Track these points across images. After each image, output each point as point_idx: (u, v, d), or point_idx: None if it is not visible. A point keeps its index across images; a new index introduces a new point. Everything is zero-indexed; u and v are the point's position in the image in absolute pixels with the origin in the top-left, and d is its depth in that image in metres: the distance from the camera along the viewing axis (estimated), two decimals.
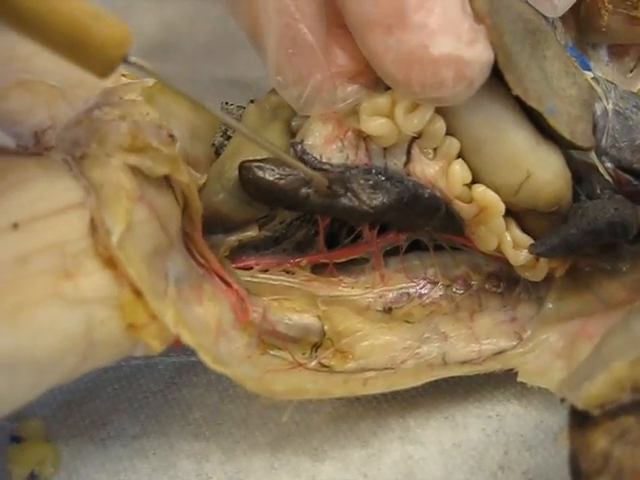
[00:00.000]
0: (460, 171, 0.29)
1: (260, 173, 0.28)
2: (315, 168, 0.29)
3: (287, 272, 0.31)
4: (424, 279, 0.32)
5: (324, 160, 0.29)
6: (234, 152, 0.30)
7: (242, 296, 0.29)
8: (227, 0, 0.30)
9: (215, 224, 0.30)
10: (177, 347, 0.26)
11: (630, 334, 0.26)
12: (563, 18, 0.33)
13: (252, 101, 0.34)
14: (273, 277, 0.31)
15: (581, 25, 0.34)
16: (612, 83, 0.31)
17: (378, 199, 0.29)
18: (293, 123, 0.30)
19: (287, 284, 0.31)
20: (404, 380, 0.28)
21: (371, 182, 0.29)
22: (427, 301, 0.31)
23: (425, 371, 0.29)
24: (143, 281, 0.24)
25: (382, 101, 0.28)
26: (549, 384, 0.29)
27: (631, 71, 0.35)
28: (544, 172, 0.29)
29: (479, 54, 0.26)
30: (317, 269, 0.31)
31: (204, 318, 0.27)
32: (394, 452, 0.29)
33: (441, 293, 0.32)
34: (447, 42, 0.26)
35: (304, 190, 0.28)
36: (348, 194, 0.28)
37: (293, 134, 0.30)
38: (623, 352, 0.25)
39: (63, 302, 0.23)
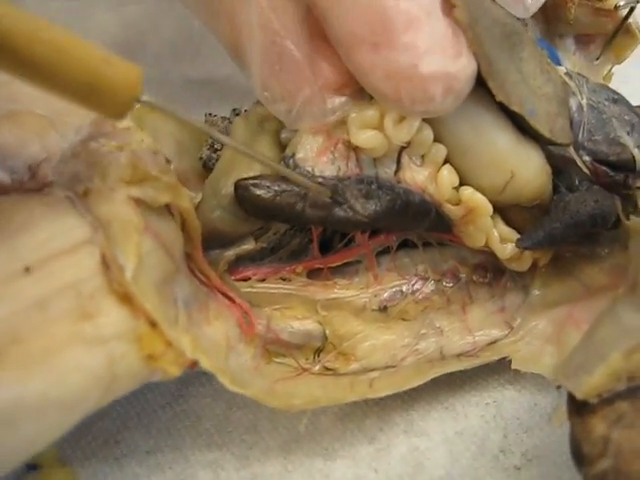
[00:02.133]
0: (448, 176, 0.30)
1: (257, 191, 0.29)
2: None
3: (284, 279, 0.32)
4: (415, 275, 0.33)
5: (317, 173, 0.29)
6: (226, 168, 0.30)
7: (246, 310, 0.29)
8: (206, 16, 0.30)
9: (212, 240, 0.30)
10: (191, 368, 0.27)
11: (620, 324, 0.28)
12: None
13: (234, 110, 0.34)
14: (271, 286, 0.32)
15: (548, 16, 0.35)
16: (583, 76, 0.32)
17: (371, 208, 0.29)
18: (282, 135, 0.31)
19: (285, 291, 0.32)
20: (409, 380, 0.30)
21: (364, 192, 0.29)
22: (420, 297, 0.33)
23: (426, 367, 0.31)
24: (157, 312, 0.25)
25: (371, 113, 0.29)
26: (541, 369, 0.31)
27: (597, 59, 0.36)
28: (527, 171, 0.30)
29: (465, 67, 0.27)
30: (312, 274, 0.32)
31: (214, 337, 0.28)
32: (401, 445, 0.31)
33: (432, 288, 0.33)
34: (435, 60, 0.26)
35: (300, 205, 0.29)
36: (343, 205, 0.29)
37: (282, 146, 0.31)
38: (615, 342, 0.27)
39: (85, 343, 0.23)
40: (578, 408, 0.27)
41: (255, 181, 0.29)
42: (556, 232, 0.30)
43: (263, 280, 0.32)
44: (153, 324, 0.25)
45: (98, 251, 0.24)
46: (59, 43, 0.21)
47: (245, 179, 0.29)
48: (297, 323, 0.31)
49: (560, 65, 0.35)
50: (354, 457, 0.31)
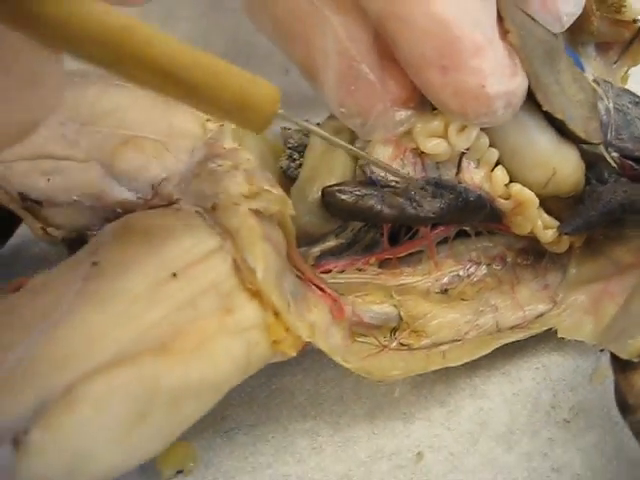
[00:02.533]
0: (501, 175, 0.34)
1: (342, 196, 0.33)
2: (383, 185, 0.34)
3: (359, 270, 0.37)
4: (470, 261, 0.38)
5: (390, 178, 0.34)
6: (309, 177, 0.35)
7: (336, 298, 0.34)
8: (280, 40, 0.34)
9: (300, 240, 0.35)
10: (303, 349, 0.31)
11: None
12: None
13: (305, 121, 0.39)
14: (349, 276, 0.36)
15: (573, 27, 0.40)
16: (608, 82, 0.37)
17: (437, 205, 0.34)
18: (356, 146, 0.35)
19: (361, 280, 0.36)
20: (476, 350, 0.35)
21: (430, 192, 0.34)
22: (475, 280, 0.38)
23: (487, 339, 0.36)
24: (280, 303, 0.29)
25: (436, 124, 0.33)
26: (583, 336, 0.36)
27: (615, 62, 0.41)
28: (566, 168, 0.35)
29: (520, 84, 0.32)
30: (383, 264, 0.37)
31: (315, 322, 0.32)
32: (468, 407, 0.36)
33: (485, 271, 0.38)
34: (498, 80, 0.31)
35: (378, 206, 0.34)
36: (413, 204, 0.34)
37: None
38: None
39: (229, 334, 0.28)
40: (622, 366, 0.32)
41: (340, 187, 0.34)
42: (592, 219, 0.36)
43: (342, 271, 0.36)
44: (276, 314, 0.29)
45: (230, 257, 0.29)
46: (215, 68, 0.24)
47: (330, 186, 0.34)
48: (376, 307, 0.35)
49: (583, 69, 0.40)
50: (429, 419, 0.36)
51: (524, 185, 0.35)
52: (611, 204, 0.36)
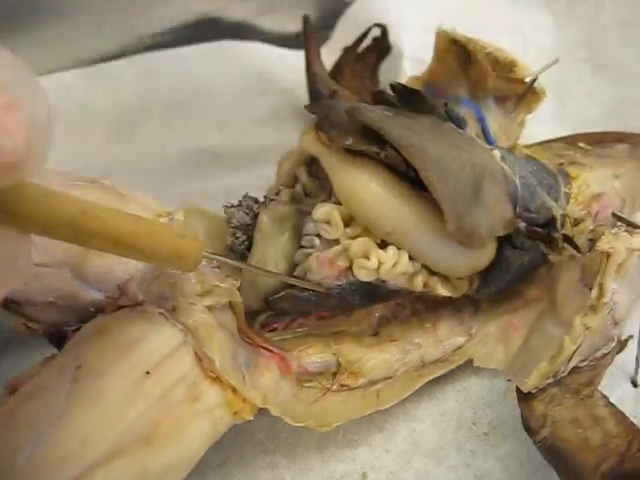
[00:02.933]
0: (422, 280, 0.40)
1: (283, 303, 0.40)
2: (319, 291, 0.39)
3: (301, 325, 0.43)
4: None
5: (325, 286, 0.39)
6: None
7: (283, 356, 0.40)
8: None
9: (248, 312, 0.40)
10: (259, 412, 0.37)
11: (545, 335, 0.40)
12: (458, 80, 0.45)
13: (248, 196, 0.44)
14: (293, 331, 0.42)
15: (472, 84, 0.46)
16: (511, 153, 0.42)
17: (365, 301, 0.40)
18: (295, 259, 0.40)
19: (304, 332, 0.42)
20: (406, 388, 0.41)
21: (359, 292, 0.40)
22: (400, 320, 0.44)
23: (415, 375, 0.42)
24: (236, 382, 0.35)
25: (372, 262, 0.38)
26: (495, 364, 0.43)
27: (512, 112, 0.47)
28: (484, 259, 0.40)
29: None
30: (321, 318, 0.43)
31: (268, 384, 0.38)
32: (402, 430, 0.43)
33: (409, 312, 0.44)
34: None
35: (314, 308, 0.40)
36: (342, 303, 0.40)
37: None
38: (543, 351, 0.39)
39: (199, 416, 0.34)
40: (524, 396, 0.39)
41: (280, 296, 0.39)
42: (502, 284, 0.42)
43: (286, 328, 0.42)
44: (234, 390, 0.35)
45: (191, 349, 0.35)
46: (154, 229, 0.29)
47: (273, 296, 0.40)
48: (317, 357, 0.41)
49: (485, 120, 0.46)
50: (370, 443, 0.43)
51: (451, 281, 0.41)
52: (517, 272, 0.41)
